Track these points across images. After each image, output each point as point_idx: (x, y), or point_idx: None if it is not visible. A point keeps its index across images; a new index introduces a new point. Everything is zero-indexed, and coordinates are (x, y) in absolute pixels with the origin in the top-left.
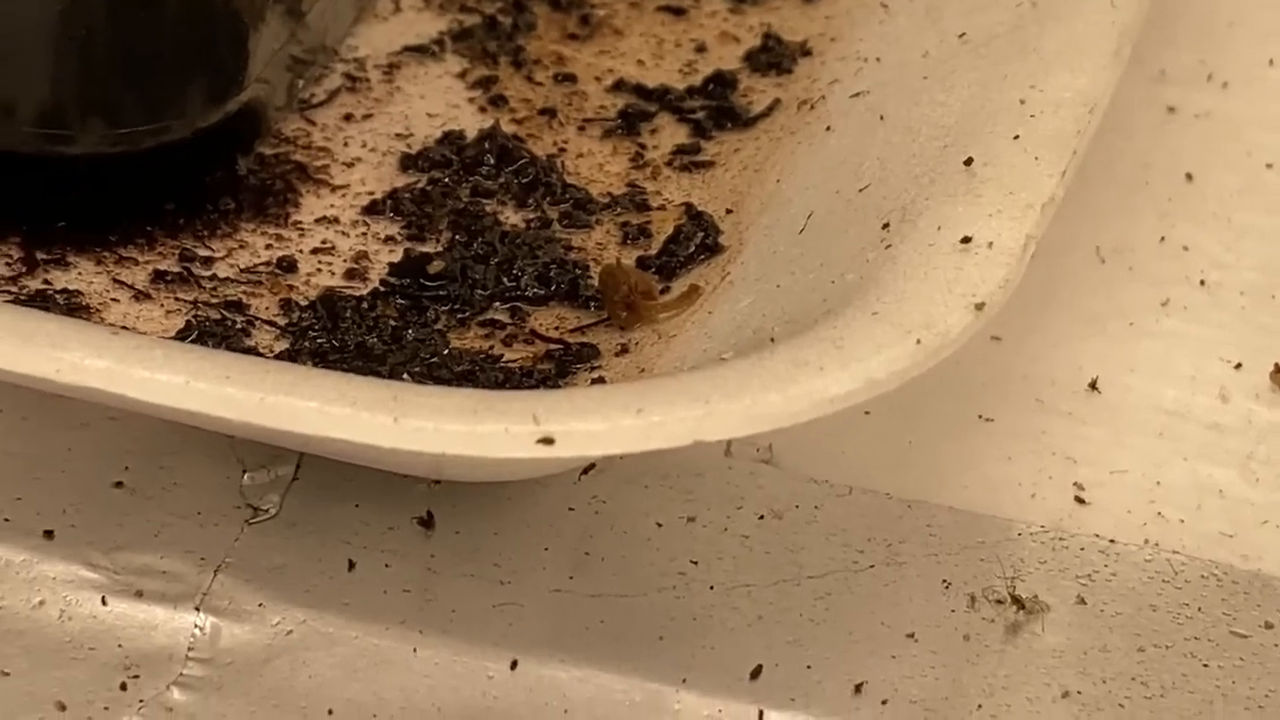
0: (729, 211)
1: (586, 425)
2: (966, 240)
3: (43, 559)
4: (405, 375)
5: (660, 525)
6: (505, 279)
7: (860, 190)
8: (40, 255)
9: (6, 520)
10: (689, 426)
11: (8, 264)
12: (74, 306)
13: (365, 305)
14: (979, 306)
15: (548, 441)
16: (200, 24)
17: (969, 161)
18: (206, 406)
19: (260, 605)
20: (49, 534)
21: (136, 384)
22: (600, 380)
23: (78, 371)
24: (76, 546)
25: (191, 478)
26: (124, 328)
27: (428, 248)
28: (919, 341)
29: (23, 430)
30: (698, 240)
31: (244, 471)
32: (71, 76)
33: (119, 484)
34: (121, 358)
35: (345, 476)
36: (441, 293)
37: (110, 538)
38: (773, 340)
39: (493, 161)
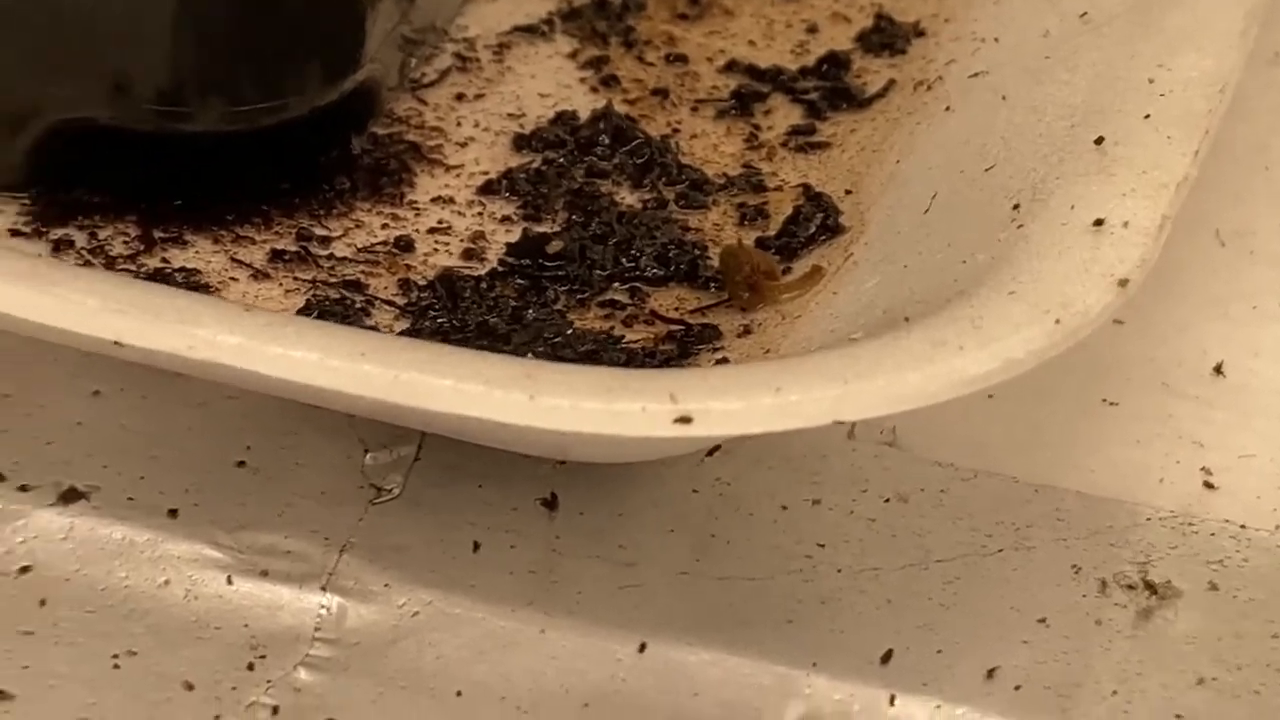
0: (848, 192)
1: (724, 404)
2: (1100, 221)
3: (167, 538)
4: (529, 355)
5: (785, 508)
6: (624, 259)
7: (986, 170)
8: (158, 233)
9: (130, 499)
10: (826, 406)
11: (125, 242)
12: (193, 285)
13: (484, 285)
14: (1122, 283)
15: (685, 420)
16: (318, 2)
17: (1099, 141)
18: (340, 384)
19: (386, 586)
20: (173, 513)
21: (269, 360)
22: (724, 361)
23: (210, 347)
24: (201, 526)
25: (313, 457)
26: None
27: (544, 228)
28: (1058, 321)
29: (143, 409)
30: (818, 221)
31: (366, 451)
32: (191, 54)
33: (241, 463)
34: (254, 334)
35: (467, 456)
36: (560, 273)
37: (234, 517)
38: (907, 320)
39: (608, 142)
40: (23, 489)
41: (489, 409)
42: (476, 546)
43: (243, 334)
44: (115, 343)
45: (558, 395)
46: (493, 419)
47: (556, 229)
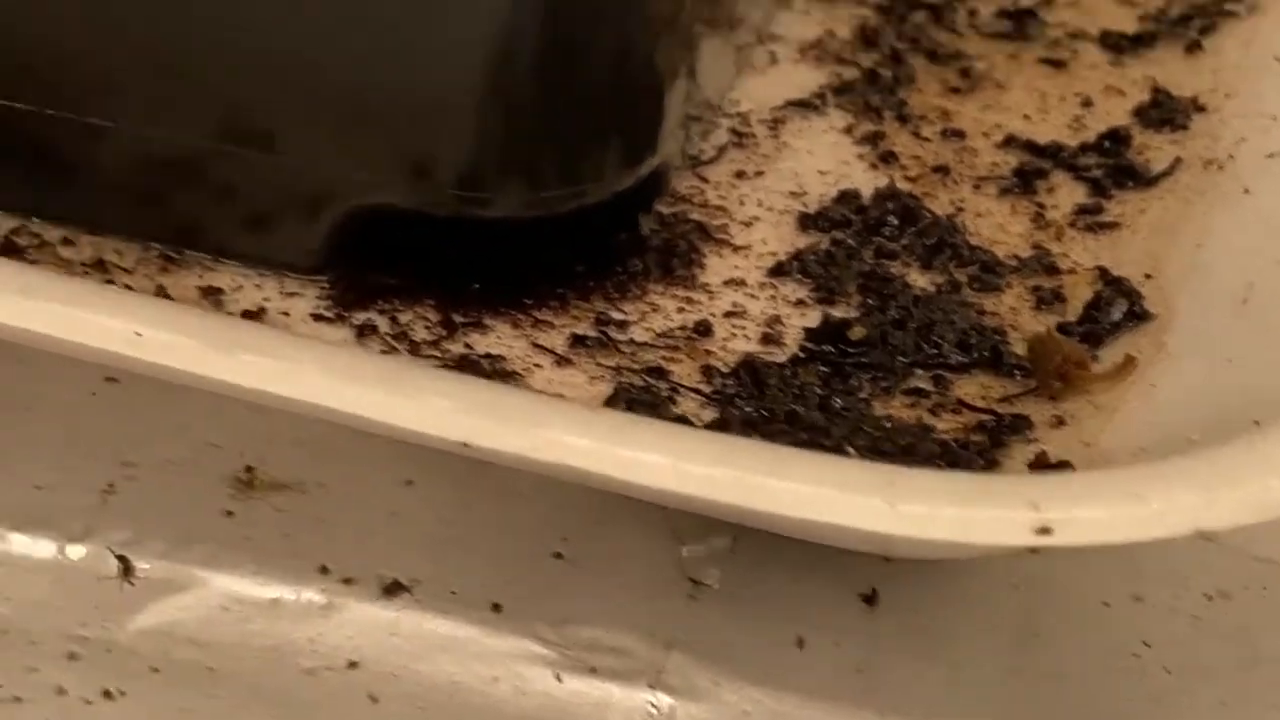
0: (1148, 276)
1: (1086, 513)
2: None
3: (492, 633)
4: (849, 449)
5: (1107, 604)
6: (925, 345)
7: None
8: (458, 318)
9: (453, 593)
10: (1190, 515)
11: (427, 327)
12: (500, 372)
13: (787, 372)
14: None
15: (1046, 531)
16: (622, 85)
17: None
18: (694, 489)
19: (715, 684)
20: (496, 607)
21: (621, 464)
22: (1042, 455)
23: (559, 450)
24: (524, 620)
25: (629, 548)
26: (561, 396)
27: (838, 311)
28: None
29: (456, 499)
30: (1122, 307)
31: (681, 543)
32: (496, 140)
33: (558, 555)
34: (604, 436)
35: (783, 549)
36: (864, 360)
37: (556, 611)
38: (1257, 423)
39: (895, 222)
40: (346, 581)
41: (849, 516)
42: (801, 643)
43: (592, 436)
44: (463, 444)
45: (918, 502)
46: (853, 526)
47: (853, 313)
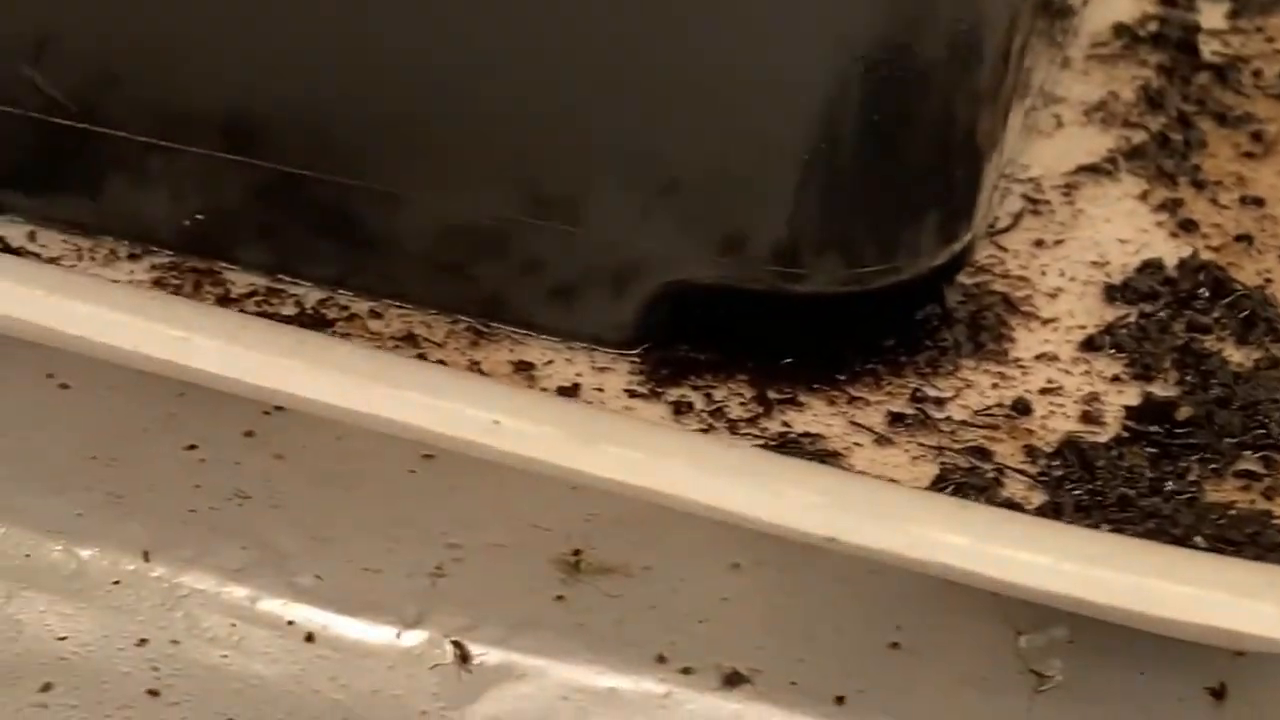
0: None
1: None
2: None
3: None
4: (1198, 539)
5: None
6: (1251, 425)
7: None
8: (772, 394)
9: (793, 684)
10: None
11: (742, 404)
12: (821, 453)
13: (1114, 453)
14: None
15: None
16: (943, 160)
17: None
18: (1070, 588)
19: None
20: (840, 700)
21: (997, 563)
22: None
23: (932, 547)
24: (869, 714)
25: (965, 638)
26: (891, 480)
27: (1157, 389)
28: None
29: (785, 584)
30: None
31: (1018, 632)
32: (814, 215)
33: (895, 645)
34: (981, 534)
35: (1123, 640)
36: (1191, 440)
37: (901, 706)
38: None
39: (1205, 295)
40: (685, 671)
41: (1238, 620)
42: None
43: (968, 534)
44: (829, 539)
45: None
46: (1243, 631)
47: (1172, 391)
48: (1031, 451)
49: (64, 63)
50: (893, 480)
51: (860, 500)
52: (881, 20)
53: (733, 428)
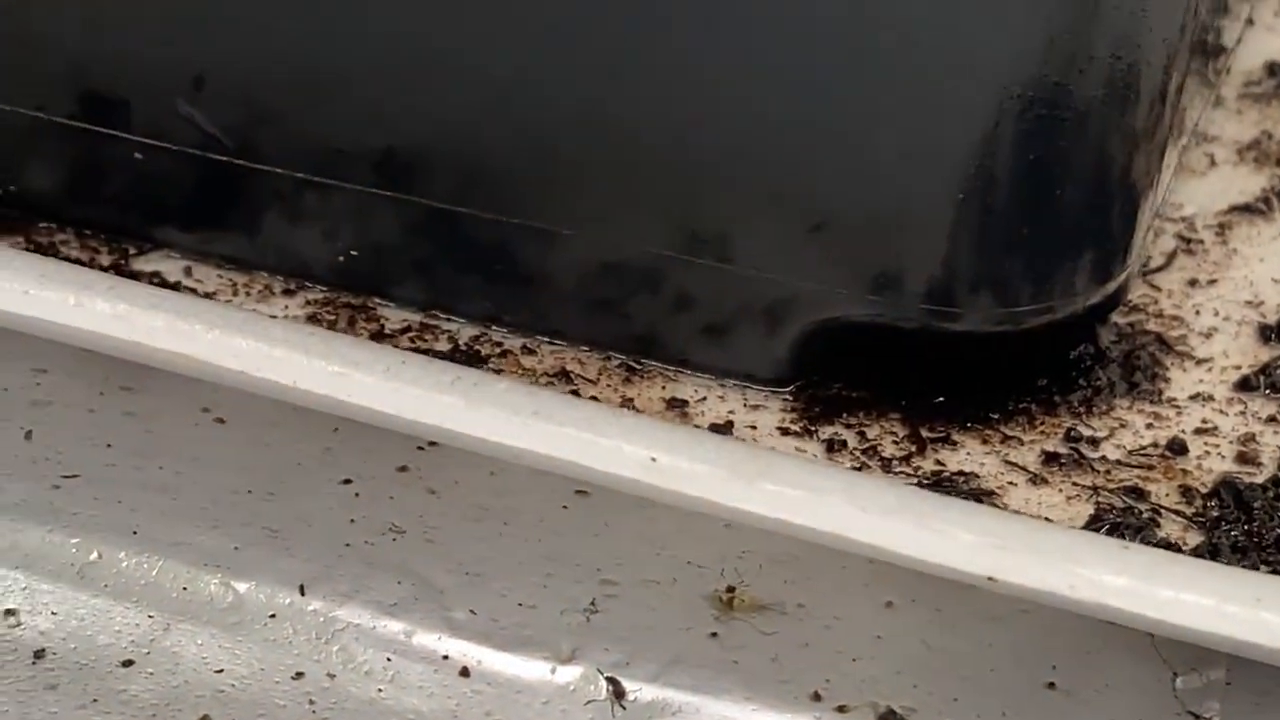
0: None
1: None
2: None
3: None
4: None
5: None
6: None
7: None
8: (925, 433)
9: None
10: None
11: (895, 442)
12: (974, 492)
13: (1270, 494)
14: None
15: None
16: (1100, 200)
17: None
18: (1247, 634)
19: None
20: None
21: (1159, 605)
22: None
23: (1094, 588)
24: None
25: (1121, 679)
26: (1046, 519)
27: None
28: None
29: (939, 622)
30: None
31: (1174, 673)
32: (970, 255)
33: (1050, 684)
34: (1142, 575)
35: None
36: None
37: None
38: None
39: None
40: (840, 709)
41: None
42: None
43: (1130, 575)
44: (989, 579)
45: None
46: None
47: None
48: (1187, 492)
49: (222, 101)
50: (1048, 520)
51: (1021, 540)
52: (1038, 60)
53: (886, 466)
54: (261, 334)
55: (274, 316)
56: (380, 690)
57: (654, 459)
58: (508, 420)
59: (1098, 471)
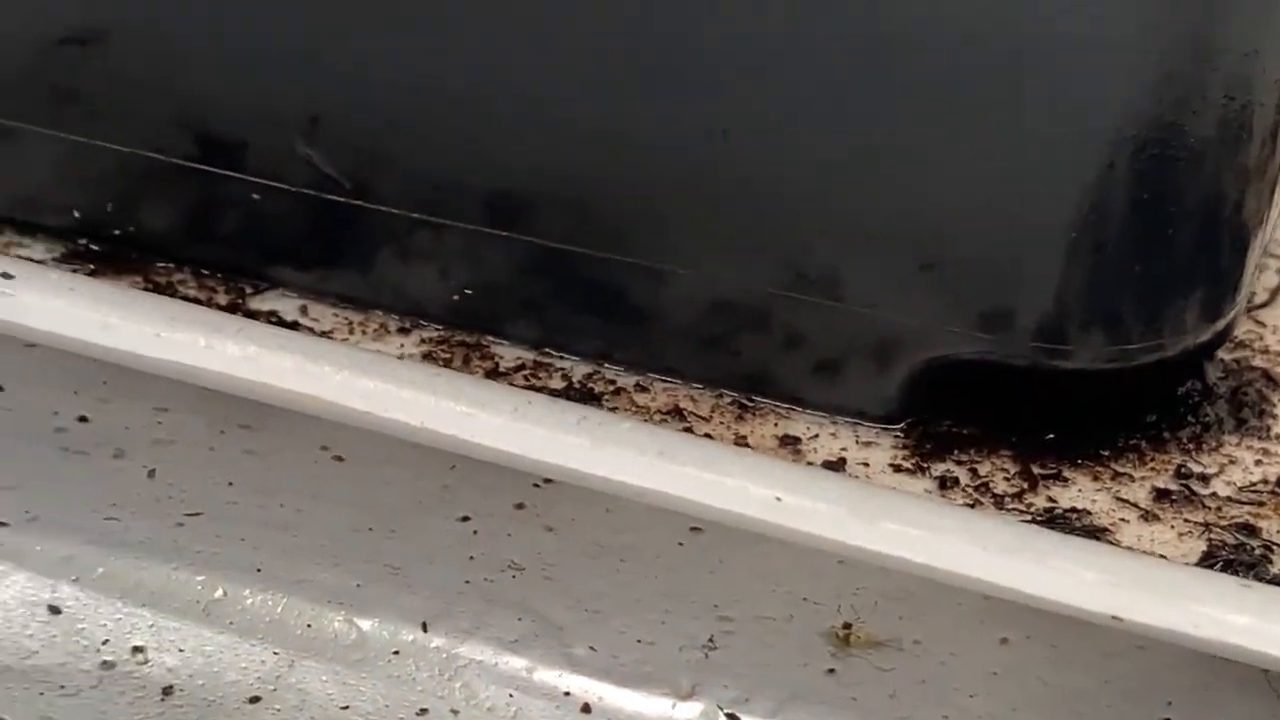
0: None
1: None
2: None
3: None
4: None
5: None
6: None
7: None
8: (1036, 470)
9: None
10: None
11: (1006, 479)
12: (1086, 528)
13: None
14: None
15: None
16: (1211, 237)
17: None
18: None
19: None
20: None
21: (1274, 641)
22: None
23: (1217, 626)
24: None
25: (1237, 713)
26: (1160, 556)
27: None
28: None
29: (1055, 659)
30: None
31: None
32: (1081, 293)
33: None
34: (1263, 613)
35: None
36: None
37: None
38: None
39: None
40: None
41: None
42: None
43: (1250, 613)
44: (1113, 618)
45: None
46: None
47: None
48: None
49: (339, 141)
50: (1163, 557)
51: (1141, 579)
52: (1151, 100)
53: (998, 503)
54: (389, 375)
55: (392, 355)
56: None
57: (778, 498)
58: (633, 460)
59: (1209, 508)
